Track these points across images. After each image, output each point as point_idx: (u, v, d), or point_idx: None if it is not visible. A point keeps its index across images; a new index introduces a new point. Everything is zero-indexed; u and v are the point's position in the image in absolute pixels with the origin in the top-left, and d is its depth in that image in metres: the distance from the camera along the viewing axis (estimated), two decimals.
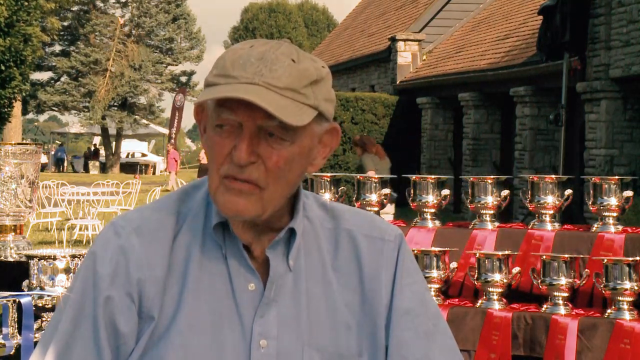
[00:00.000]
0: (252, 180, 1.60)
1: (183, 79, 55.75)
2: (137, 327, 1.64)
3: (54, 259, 3.29)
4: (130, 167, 49.56)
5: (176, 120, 25.41)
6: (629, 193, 5.05)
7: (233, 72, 1.60)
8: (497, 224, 5.29)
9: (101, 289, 1.64)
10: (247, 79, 1.58)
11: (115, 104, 53.40)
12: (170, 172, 32.21)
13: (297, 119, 1.58)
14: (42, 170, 13.59)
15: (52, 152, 53.97)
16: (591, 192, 5.10)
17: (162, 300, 1.65)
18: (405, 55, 22.93)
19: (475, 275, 4.98)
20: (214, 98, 1.59)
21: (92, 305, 1.64)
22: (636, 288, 4.67)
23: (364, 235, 1.76)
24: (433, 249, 5.11)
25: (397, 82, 22.77)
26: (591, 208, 5.12)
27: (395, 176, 5.80)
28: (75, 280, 1.69)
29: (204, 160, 35.26)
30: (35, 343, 2.98)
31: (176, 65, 55.37)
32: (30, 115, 61.87)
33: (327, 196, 5.34)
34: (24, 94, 24.66)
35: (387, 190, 5.44)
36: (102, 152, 54.95)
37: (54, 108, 54.21)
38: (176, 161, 33.02)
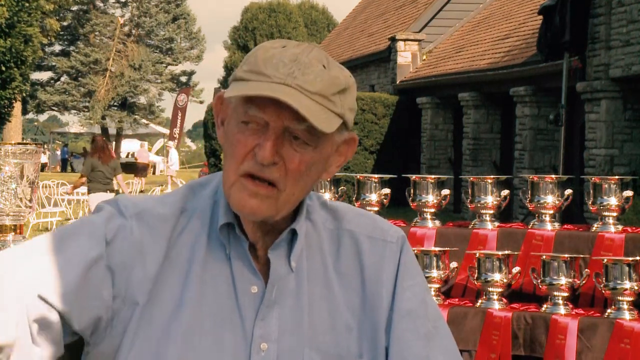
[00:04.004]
0: (271, 180, 1.59)
1: (183, 79, 55.76)
2: (113, 304, 1.61)
3: None
4: (130, 167, 49.50)
5: (179, 120, 25.36)
6: (629, 193, 5.05)
7: (266, 70, 1.58)
8: (497, 224, 5.28)
9: (101, 239, 1.63)
10: (279, 79, 1.57)
11: (115, 103, 53.40)
12: None
13: (325, 125, 1.57)
14: (42, 170, 13.61)
15: (58, 152, 53.81)
16: (591, 192, 5.10)
17: (152, 291, 1.63)
18: (405, 55, 22.91)
19: (476, 275, 4.98)
20: (247, 95, 1.57)
21: (97, 240, 1.63)
22: (636, 288, 4.67)
23: (366, 237, 1.75)
24: (433, 248, 5.11)
25: (397, 82, 22.75)
26: (591, 208, 5.12)
27: (395, 176, 5.80)
28: (77, 226, 1.67)
29: (141, 159, 34.96)
30: None
31: (176, 65, 55.39)
32: (30, 115, 61.85)
33: (327, 196, 5.34)
34: (24, 94, 24.66)
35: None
36: None
37: (54, 108, 54.23)
38: None
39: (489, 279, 4.93)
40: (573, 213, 11.66)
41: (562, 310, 4.79)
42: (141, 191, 20.32)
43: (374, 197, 5.42)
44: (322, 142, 1.62)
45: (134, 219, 1.65)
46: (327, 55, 1.64)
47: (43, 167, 44.51)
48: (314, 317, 1.68)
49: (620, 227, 5.04)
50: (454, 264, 5.12)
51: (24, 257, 1.61)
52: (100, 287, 1.61)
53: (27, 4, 19.81)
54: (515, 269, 4.98)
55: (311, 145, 1.60)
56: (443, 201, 5.39)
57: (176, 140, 26.85)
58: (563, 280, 4.81)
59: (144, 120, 54.30)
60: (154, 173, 47.91)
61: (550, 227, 5.13)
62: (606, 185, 5.05)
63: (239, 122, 1.61)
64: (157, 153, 51.15)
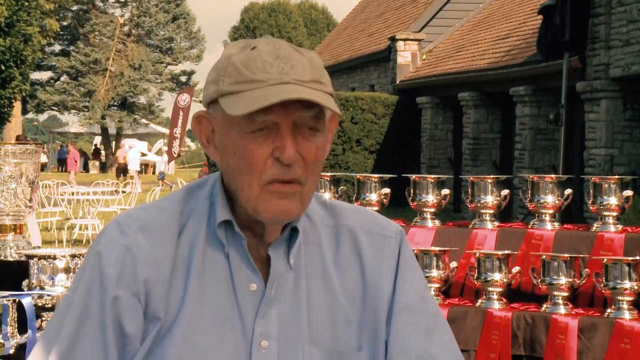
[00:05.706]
0: (296, 179, 1.60)
1: (183, 78, 55.74)
2: (142, 328, 1.63)
3: (54, 258, 3.29)
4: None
5: (180, 120, 25.23)
6: (629, 193, 5.05)
7: (256, 76, 1.58)
8: (497, 223, 5.29)
9: (108, 289, 1.63)
10: (276, 80, 1.58)
11: (115, 103, 53.38)
12: (70, 172, 31.81)
13: (333, 106, 1.60)
14: (42, 170, 13.61)
15: (57, 151, 53.77)
16: (591, 191, 5.10)
17: (167, 300, 1.64)
18: (405, 54, 22.90)
19: (475, 275, 4.98)
20: (263, 106, 1.56)
21: (99, 306, 1.63)
22: (636, 288, 4.67)
23: (365, 232, 1.76)
24: (433, 248, 5.11)
25: (397, 82, 22.74)
26: (591, 208, 5.12)
27: (395, 176, 5.80)
28: (80, 280, 1.67)
29: (122, 160, 34.63)
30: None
31: (176, 65, 55.37)
32: (30, 115, 61.86)
33: (327, 195, 5.33)
34: (23, 94, 24.67)
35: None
36: (102, 152, 54.87)
37: (53, 108, 54.22)
38: (76, 161, 32.67)
39: (488, 278, 4.93)
40: (573, 213, 11.66)
41: (562, 310, 4.79)
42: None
43: (374, 196, 5.42)
44: (324, 124, 1.64)
45: (138, 234, 1.65)
46: (289, 43, 1.66)
47: (43, 167, 44.47)
48: (313, 312, 1.69)
49: (620, 227, 5.04)
50: (453, 264, 5.12)
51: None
52: (135, 316, 1.64)
53: (26, 3, 19.82)
54: (515, 269, 4.98)
55: (319, 130, 1.63)
56: (443, 201, 5.39)
57: (179, 140, 26.77)
58: (563, 280, 4.81)
59: (143, 120, 54.28)
60: (154, 173, 47.88)
61: (550, 227, 5.13)
62: (606, 185, 5.05)
63: (245, 134, 1.60)
64: (156, 153, 51.13)
